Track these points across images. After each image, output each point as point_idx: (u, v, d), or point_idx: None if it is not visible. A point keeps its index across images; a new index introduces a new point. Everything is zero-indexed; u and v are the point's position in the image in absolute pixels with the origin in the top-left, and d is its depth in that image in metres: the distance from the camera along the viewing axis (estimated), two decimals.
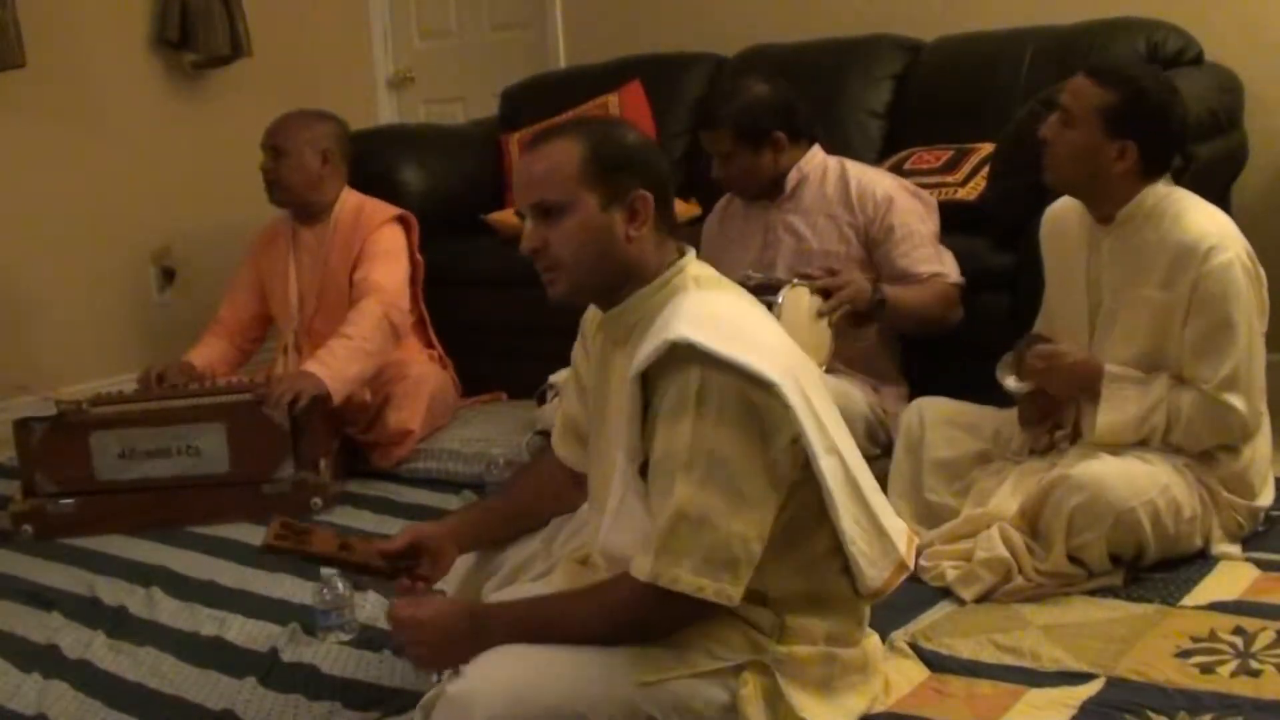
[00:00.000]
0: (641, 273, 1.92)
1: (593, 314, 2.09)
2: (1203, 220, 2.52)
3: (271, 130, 3.77)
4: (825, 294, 2.91)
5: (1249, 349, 2.50)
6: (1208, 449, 2.54)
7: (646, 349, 1.82)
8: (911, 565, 1.99)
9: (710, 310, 1.86)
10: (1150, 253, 2.54)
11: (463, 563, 2.17)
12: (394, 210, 3.81)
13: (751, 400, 1.79)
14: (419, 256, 3.84)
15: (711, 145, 3.18)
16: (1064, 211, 2.74)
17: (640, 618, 1.83)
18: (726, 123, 3.12)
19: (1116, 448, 2.52)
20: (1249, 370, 2.50)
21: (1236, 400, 2.48)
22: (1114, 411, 2.53)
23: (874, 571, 1.93)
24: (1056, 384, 2.61)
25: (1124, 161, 2.51)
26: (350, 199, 3.82)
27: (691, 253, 1.97)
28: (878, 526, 1.94)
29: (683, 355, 1.79)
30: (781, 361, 1.85)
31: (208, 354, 3.83)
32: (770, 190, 3.22)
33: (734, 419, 1.79)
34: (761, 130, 3.13)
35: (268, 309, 3.92)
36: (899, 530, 1.99)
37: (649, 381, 1.84)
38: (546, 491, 2.21)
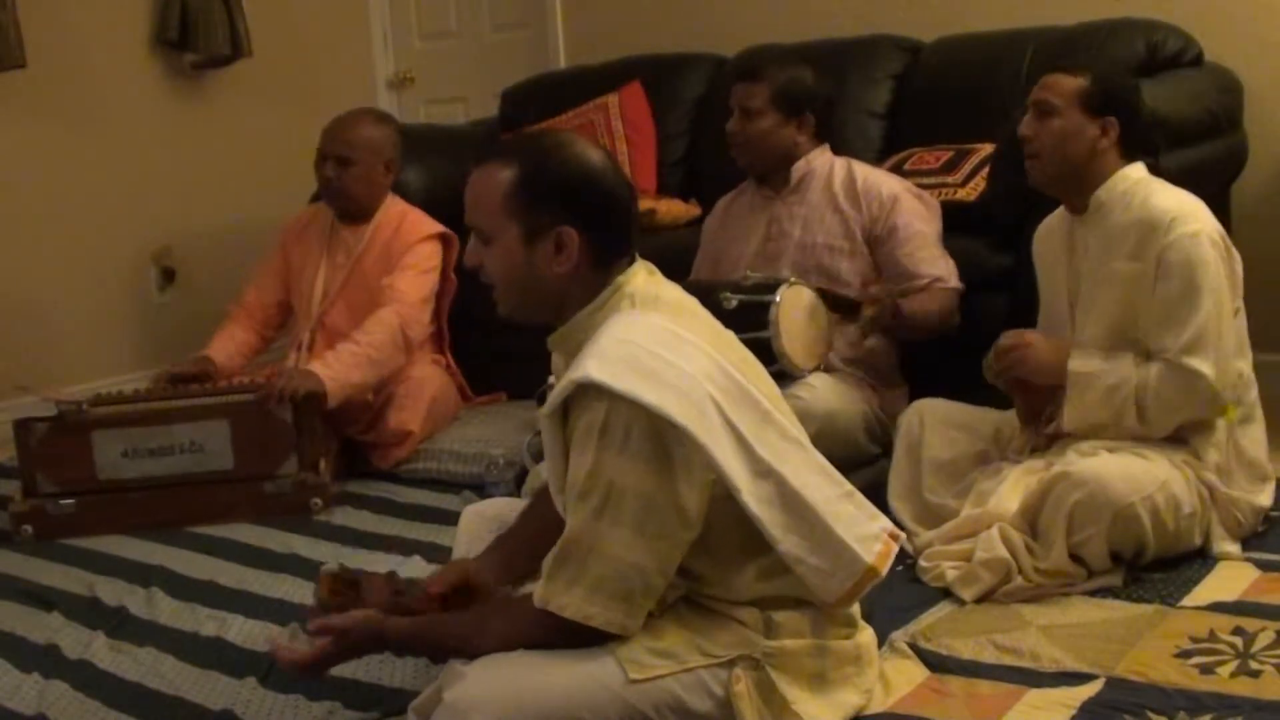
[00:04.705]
0: (576, 300, 1.90)
1: None
2: (1169, 198, 2.59)
3: (335, 138, 3.65)
4: (856, 306, 2.92)
5: (1216, 317, 2.51)
6: (1184, 433, 2.55)
7: (559, 387, 1.83)
8: (885, 570, 1.95)
9: (631, 338, 1.82)
10: (1121, 231, 2.60)
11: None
12: (438, 227, 3.72)
13: (661, 436, 1.78)
14: (453, 276, 3.74)
15: (743, 98, 3.16)
16: (1050, 223, 2.82)
17: (540, 641, 1.83)
18: (773, 81, 3.12)
19: (1112, 445, 2.54)
20: (1217, 338, 2.51)
21: (1201, 364, 2.49)
22: (1081, 391, 2.57)
23: (829, 584, 1.90)
24: (1028, 369, 2.65)
25: (1107, 138, 2.61)
26: (394, 206, 3.76)
27: (636, 264, 1.94)
28: (831, 539, 1.89)
29: (591, 392, 1.79)
30: (701, 390, 1.81)
31: (228, 345, 3.78)
32: (771, 171, 3.22)
33: (639, 451, 1.77)
34: (799, 104, 3.14)
35: (290, 297, 3.88)
36: (871, 534, 1.94)
37: (567, 416, 1.85)
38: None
